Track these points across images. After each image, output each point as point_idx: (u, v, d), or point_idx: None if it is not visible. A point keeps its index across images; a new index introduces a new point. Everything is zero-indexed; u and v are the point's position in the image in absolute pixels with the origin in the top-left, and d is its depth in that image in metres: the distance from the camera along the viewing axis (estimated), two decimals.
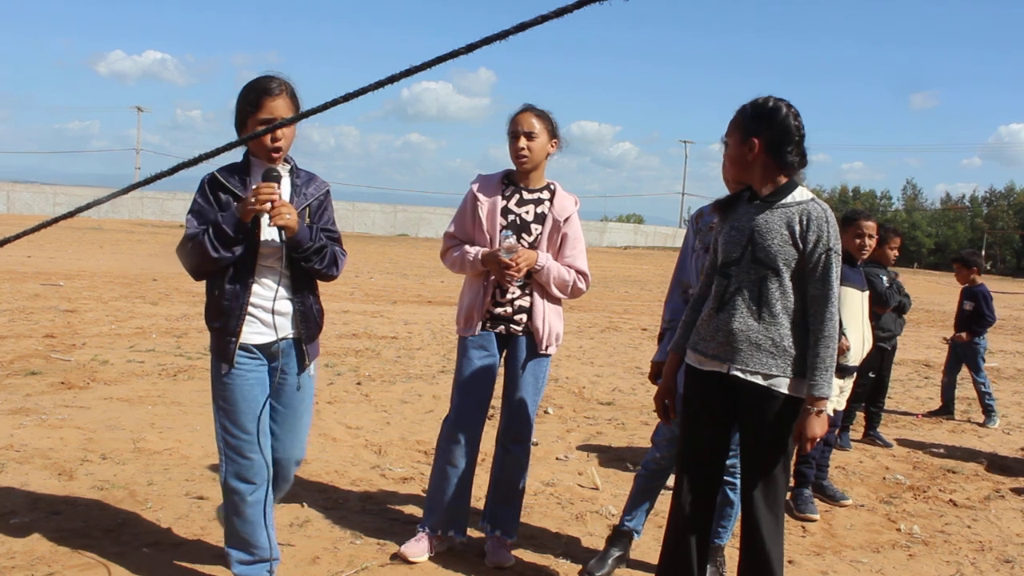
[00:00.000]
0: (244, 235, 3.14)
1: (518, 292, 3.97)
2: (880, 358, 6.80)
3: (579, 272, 4.05)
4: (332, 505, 4.64)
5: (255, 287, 3.26)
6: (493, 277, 3.93)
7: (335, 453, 5.62)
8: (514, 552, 4.11)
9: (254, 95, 3.17)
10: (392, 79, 1.10)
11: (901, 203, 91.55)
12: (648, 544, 4.31)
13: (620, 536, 4.10)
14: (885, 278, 6.65)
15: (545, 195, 4.04)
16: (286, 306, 3.35)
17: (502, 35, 1.02)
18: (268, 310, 3.28)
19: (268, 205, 3.10)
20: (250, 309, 3.26)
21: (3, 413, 5.99)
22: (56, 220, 1.42)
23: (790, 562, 4.30)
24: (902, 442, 7.10)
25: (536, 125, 3.93)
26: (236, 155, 3.34)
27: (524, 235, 3.96)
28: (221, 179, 3.23)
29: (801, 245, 3.05)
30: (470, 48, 1.05)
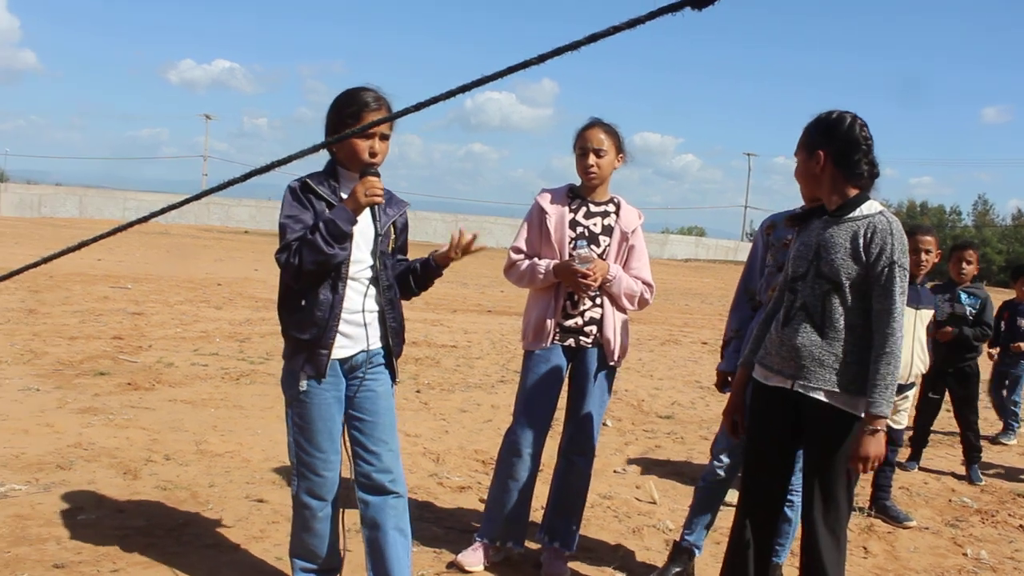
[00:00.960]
0: (352, 231, 3.13)
1: (589, 304, 3.96)
2: (943, 381, 6.57)
3: (645, 283, 4.06)
4: None
5: (345, 298, 3.21)
6: (563, 289, 3.93)
7: None
8: (570, 564, 4.09)
9: (355, 108, 3.15)
10: (463, 88, 1.11)
11: (971, 219, 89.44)
12: (706, 561, 4.26)
13: (680, 552, 4.06)
14: (946, 303, 6.44)
15: (611, 208, 4.06)
16: (372, 318, 3.29)
17: (573, 46, 1.02)
18: (355, 323, 3.23)
19: (378, 198, 3.13)
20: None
21: (73, 412, 6.14)
22: (131, 224, 1.45)
23: None
24: (965, 466, 6.90)
25: (605, 142, 3.94)
26: (319, 164, 3.34)
27: (593, 247, 3.96)
28: (313, 185, 3.19)
29: (864, 258, 2.98)
30: (542, 58, 1.05)
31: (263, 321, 11.74)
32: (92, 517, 4.22)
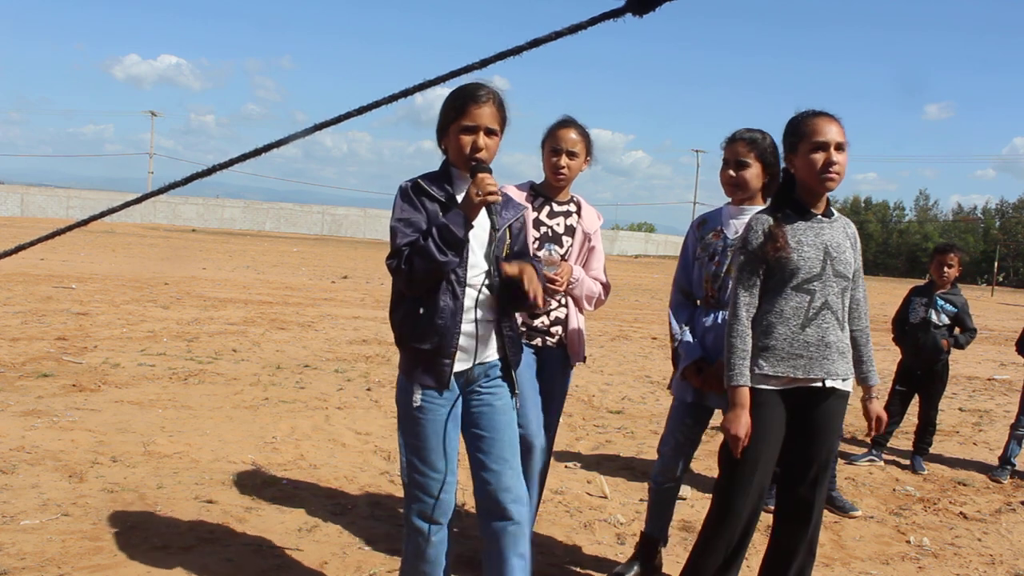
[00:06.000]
0: (467, 237, 2.94)
1: (554, 304, 3.95)
2: (913, 377, 6.75)
3: (603, 284, 4.07)
4: (341, 511, 4.65)
5: (468, 304, 3.02)
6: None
7: (344, 459, 5.64)
8: None
9: (460, 101, 3.00)
10: (406, 92, 1.12)
11: (914, 214, 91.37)
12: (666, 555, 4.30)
13: (647, 543, 4.13)
14: (921, 307, 6.57)
15: (572, 207, 4.04)
16: (487, 328, 3.10)
17: (516, 51, 1.03)
18: (471, 333, 3.03)
19: (493, 196, 2.91)
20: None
21: (15, 415, 6.02)
22: (74, 227, 1.44)
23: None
24: (910, 455, 7.06)
25: (578, 144, 3.90)
26: (434, 164, 3.19)
27: (555, 247, 3.95)
28: (425, 185, 3.03)
29: (855, 254, 3.33)
30: (484, 63, 1.06)
31: (211, 320, 11.61)
32: (36, 522, 4.15)
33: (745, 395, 3.20)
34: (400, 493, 5.03)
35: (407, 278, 2.93)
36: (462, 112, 2.98)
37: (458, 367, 3.03)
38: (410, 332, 3.02)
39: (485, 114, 2.98)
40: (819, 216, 3.26)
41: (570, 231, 3.99)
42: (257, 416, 6.44)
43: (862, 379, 3.41)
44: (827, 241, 3.23)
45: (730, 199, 3.93)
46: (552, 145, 3.92)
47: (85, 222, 1.40)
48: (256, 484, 4.96)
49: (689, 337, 3.89)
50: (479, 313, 3.04)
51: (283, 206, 67.09)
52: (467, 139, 2.98)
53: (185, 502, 4.58)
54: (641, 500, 5.22)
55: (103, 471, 4.97)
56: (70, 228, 1.48)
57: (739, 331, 3.23)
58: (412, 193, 3.02)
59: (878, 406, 3.46)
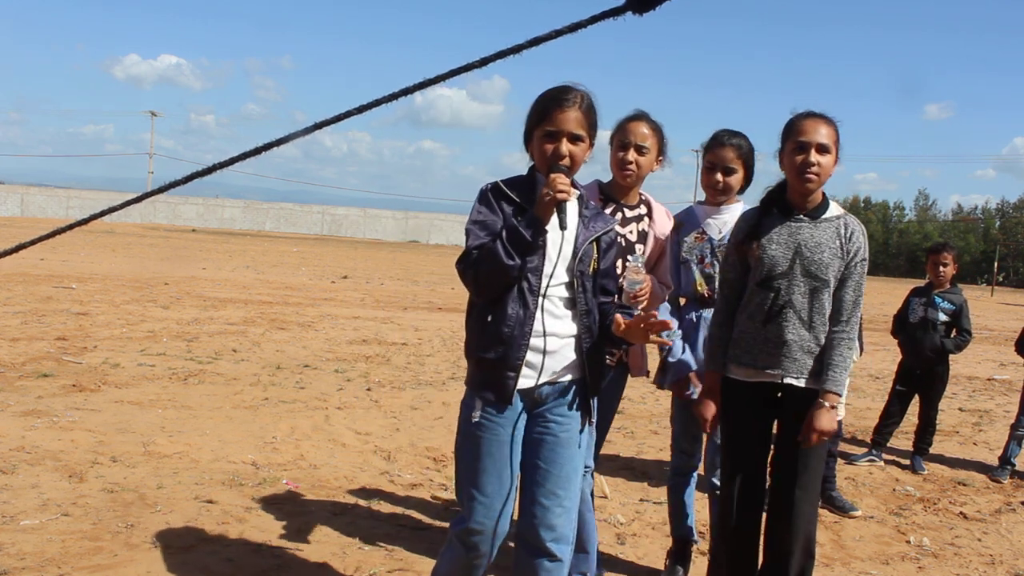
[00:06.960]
0: (541, 241, 2.78)
1: None
2: (912, 378, 6.74)
3: (667, 287, 3.82)
4: (340, 511, 4.65)
5: (539, 315, 2.81)
6: None
7: (344, 459, 5.64)
8: None
9: (544, 105, 2.84)
10: (406, 91, 1.12)
11: (914, 214, 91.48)
12: (655, 551, 4.30)
13: (679, 548, 4.11)
14: (920, 307, 6.56)
15: (643, 210, 3.75)
16: (562, 344, 2.87)
17: (516, 49, 1.03)
18: (541, 348, 2.81)
19: (563, 194, 2.71)
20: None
21: (15, 415, 6.02)
22: (74, 226, 1.44)
23: None
24: (910, 455, 7.06)
25: (649, 139, 3.60)
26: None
27: (630, 257, 3.65)
28: (505, 188, 2.86)
29: (843, 256, 3.24)
30: (484, 62, 1.06)
31: (211, 320, 11.61)
32: (36, 522, 4.15)
33: (714, 380, 3.41)
34: (400, 493, 5.04)
35: (473, 281, 2.79)
36: (545, 116, 2.83)
37: (524, 383, 2.82)
38: (476, 340, 2.85)
39: (570, 119, 2.81)
40: (801, 216, 3.27)
41: (643, 237, 3.70)
42: (257, 416, 6.44)
43: (821, 382, 3.23)
44: (802, 241, 3.23)
45: (704, 199, 3.94)
46: (620, 139, 3.61)
47: (85, 221, 1.40)
48: (256, 484, 4.95)
49: (679, 351, 3.85)
50: (553, 326, 2.83)
51: (283, 206, 67.16)
52: (549, 145, 2.82)
53: (185, 502, 4.58)
54: (641, 500, 5.22)
55: (103, 471, 4.97)
56: (70, 228, 1.48)
57: (718, 321, 3.44)
58: (491, 196, 2.86)
59: (820, 416, 3.18)
